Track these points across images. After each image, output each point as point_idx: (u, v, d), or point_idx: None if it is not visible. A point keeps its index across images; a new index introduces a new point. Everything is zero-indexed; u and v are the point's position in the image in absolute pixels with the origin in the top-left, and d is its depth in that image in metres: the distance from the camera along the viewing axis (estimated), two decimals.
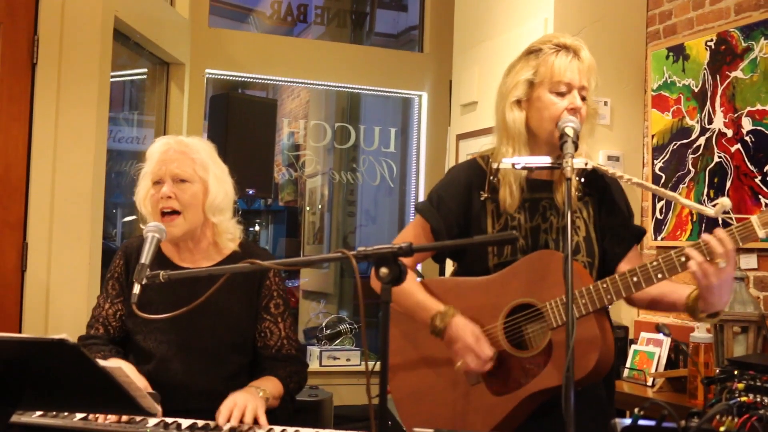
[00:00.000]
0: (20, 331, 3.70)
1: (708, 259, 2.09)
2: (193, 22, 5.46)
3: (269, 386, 2.50)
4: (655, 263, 2.15)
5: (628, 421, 1.56)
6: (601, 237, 2.41)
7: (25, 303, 3.77)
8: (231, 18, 6.91)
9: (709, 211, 2.22)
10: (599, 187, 2.44)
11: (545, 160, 2.29)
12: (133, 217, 2.69)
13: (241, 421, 2.25)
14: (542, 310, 2.23)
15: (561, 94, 2.30)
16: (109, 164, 4.63)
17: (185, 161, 2.58)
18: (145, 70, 5.33)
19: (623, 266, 2.37)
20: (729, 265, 2.09)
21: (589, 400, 2.25)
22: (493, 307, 2.30)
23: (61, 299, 3.78)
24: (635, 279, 2.17)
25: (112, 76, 4.26)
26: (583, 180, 2.39)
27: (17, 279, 3.76)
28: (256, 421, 2.28)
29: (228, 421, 2.25)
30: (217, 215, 2.62)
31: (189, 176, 2.57)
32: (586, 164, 2.26)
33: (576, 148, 2.18)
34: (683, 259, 2.12)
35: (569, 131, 2.19)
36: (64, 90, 3.84)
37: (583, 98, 2.31)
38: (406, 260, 2.31)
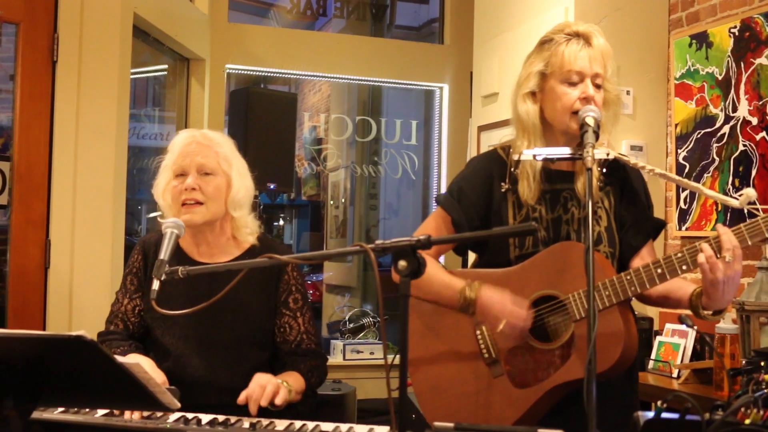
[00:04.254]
0: (44, 328, 3.73)
1: (717, 254, 2.07)
2: (213, 17, 5.47)
3: (291, 380, 2.50)
4: (680, 254, 2.13)
5: (651, 414, 1.53)
6: (620, 227, 2.39)
7: (49, 300, 3.80)
8: (251, 13, 6.91)
9: (733, 202, 2.19)
10: (620, 177, 2.42)
11: (566, 151, 2.26)
12: (158, 213, 2.69)
13: (260, 418, 2.24)
14: (565, 302, 2.22)
15: (573, 84, 2.28)
16: (132, 161, 4.66)
17: (210, 154, 2.58)
18: (166, 66, 5.35)
19: (636, 262, 2.34)
20: (736, 262, 2.07)
21: (612, 392, 2.24)
22: None
23: (85, 295, 3.81)
24: (659, 270, 2.14)
25: (134, 73, 4.27)
26: (604, 170, 2.37)
27: (40, 276, 3.79)
28: (273, 415, 2.27)
29: (246, 401, 2.30)
30: (238, 210, 2.62)
31: (213, 169, 2.57)
32: (608, 154, 2.23)
33: (597, 137, 2.16)
34: None
35: (590, 121, 2.16)
36: (84, 87, 3.86)
37: (599, 86, 2.29)
38: (427, 252, 2.31)
